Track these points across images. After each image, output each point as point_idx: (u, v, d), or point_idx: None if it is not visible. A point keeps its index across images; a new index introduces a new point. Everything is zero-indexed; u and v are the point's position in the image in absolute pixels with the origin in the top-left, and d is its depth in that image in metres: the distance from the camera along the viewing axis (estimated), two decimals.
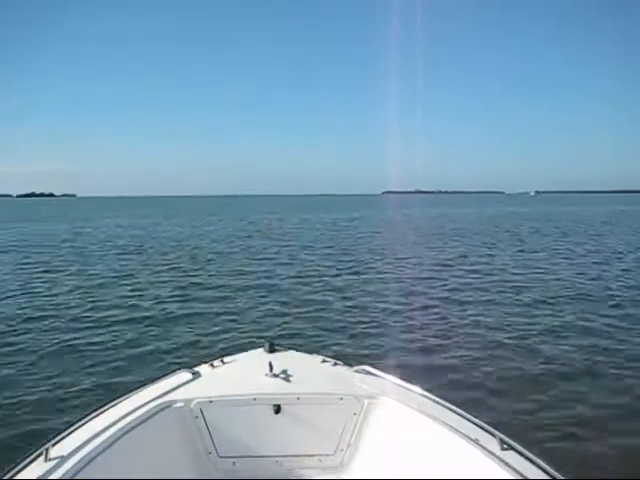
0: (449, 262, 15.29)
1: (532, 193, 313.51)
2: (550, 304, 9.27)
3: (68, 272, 13.66)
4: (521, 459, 2.13)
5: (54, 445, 2.18)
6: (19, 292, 10.86)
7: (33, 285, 11.69)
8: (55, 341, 7.26)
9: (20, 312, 8.96)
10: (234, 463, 2.75)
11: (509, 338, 7.20)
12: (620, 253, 17.35)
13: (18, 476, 1.99)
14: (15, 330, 7.78)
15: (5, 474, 1.99)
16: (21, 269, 14.29)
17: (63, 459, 2.10)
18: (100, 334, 7.66)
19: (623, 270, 13.42)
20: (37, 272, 13.59)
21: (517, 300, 9.72)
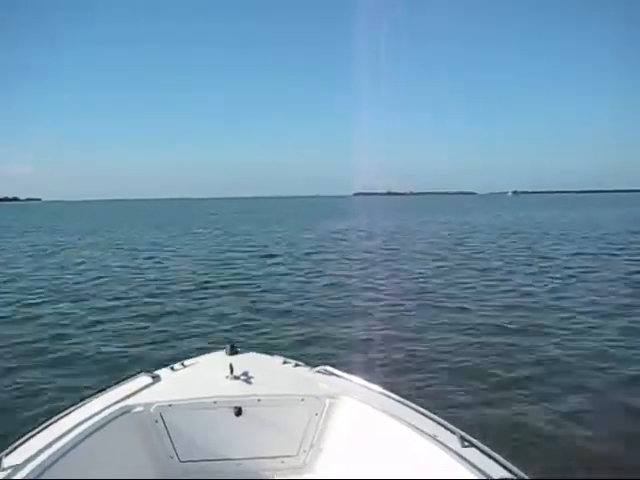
0: (417, 257, 15.82)
1: (510, 193, 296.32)
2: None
3: None
4: (482, 456, 2.17)
5: (8, 454, 2.17)
6: None
7: None
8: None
9: None
10: (196, 467, 2.75)
11: (472, 337, 7.33)
12: None
13: None
14: None
15: None
16: None
17: (17, 467, 2.08)
18: (59, 335, 7.66)
19: None
20: None
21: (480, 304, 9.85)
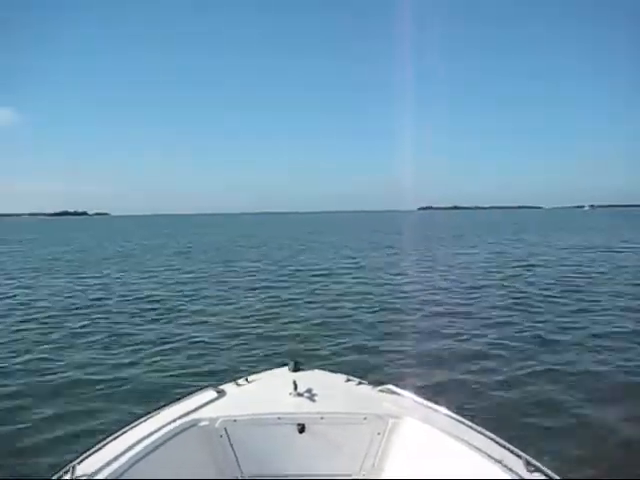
0: (479, 279, 15.19)
1: (587, 207, 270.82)
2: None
3: None
4: None
5: (80, 463, 2.28)
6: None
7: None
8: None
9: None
10: None
11: (542, 361, 7.09)
12: None
13: None
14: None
15: None
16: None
17: (90, 476, 2.19)
18: (126, 353, 7.87)
19: None
20: None
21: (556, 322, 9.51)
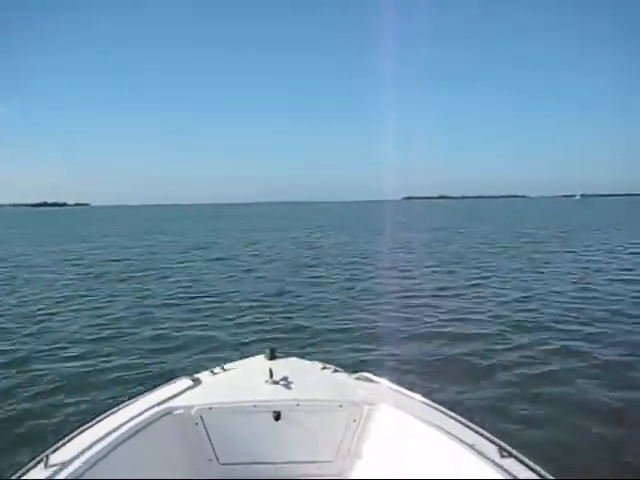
0: (453, 267, 15.47)
1: (577, 196, 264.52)
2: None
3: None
4: (521, 466, 2.18)
5: (54, 451, 2.29)
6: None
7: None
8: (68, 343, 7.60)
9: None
10: (234, 470, 2.85)
11: (513, 347, 7.19)
12: None
13: None
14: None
15: (6, 478, 2.10)
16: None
17: (63, 465, 2.20)
18: (101, 339, 7.93)
19: None
20: None
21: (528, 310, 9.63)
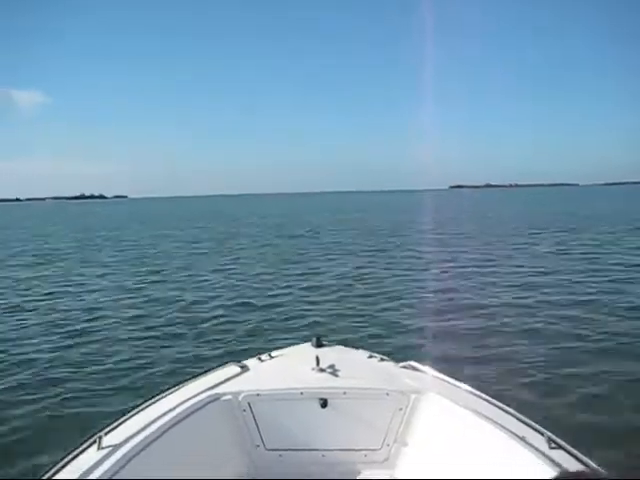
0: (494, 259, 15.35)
1: None
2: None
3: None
4: (570, 458, 2.21)
5: (107, 434, 2.43)
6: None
7: None
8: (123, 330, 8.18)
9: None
10: (280, 455, 2.95)
11: (567, 338, 7.20)
12: None
13: (72, 463, 2.23)
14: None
15: (59, 461, 2.23)
16: None
17: (115, 447, 2.34)
18: (150, 327, 8.38)
19: None
20: None
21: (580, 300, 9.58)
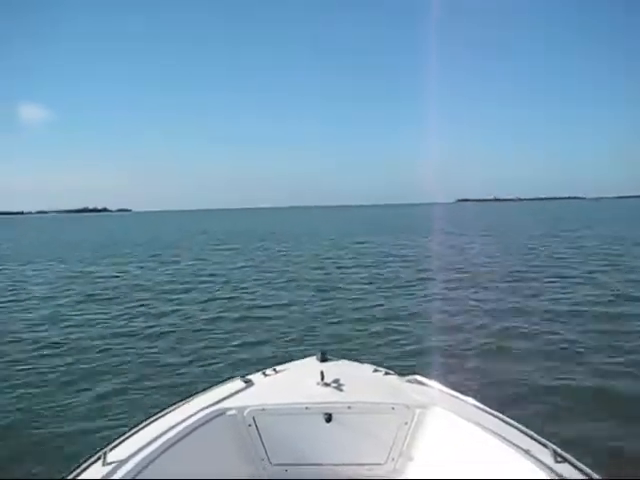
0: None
1: None
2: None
3: None
4: (575, 472, 2.21)
5: (112, 449, 2.45)
6: None
7: None
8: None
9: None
10: (286, 470, 2.96)
11: (570, 352, 7.22)
12: None
13: (77, 479, 2.25)
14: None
15: (65, 476, 2.25)
16: None
17: (121, 463, 2.35)
18: (154, 342, 8.45)
19: None
20: None
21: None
